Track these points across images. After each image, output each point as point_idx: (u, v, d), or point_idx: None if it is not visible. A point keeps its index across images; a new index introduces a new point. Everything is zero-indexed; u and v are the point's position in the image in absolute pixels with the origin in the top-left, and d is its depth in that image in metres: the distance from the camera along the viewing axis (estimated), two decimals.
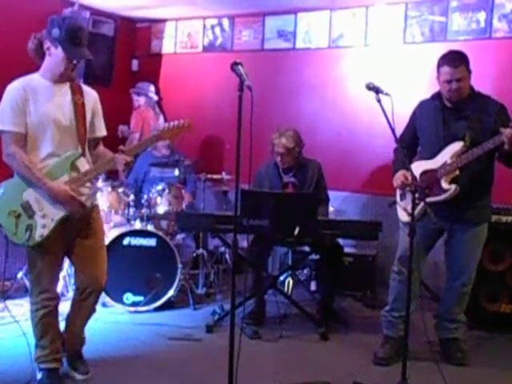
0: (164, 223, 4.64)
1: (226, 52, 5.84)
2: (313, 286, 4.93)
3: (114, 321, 4.12)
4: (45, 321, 3.00)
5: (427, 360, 3.43)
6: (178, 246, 4.65)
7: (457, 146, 3.29)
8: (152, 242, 4.36)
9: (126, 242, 4.34)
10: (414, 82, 4.93)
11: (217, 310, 4.22)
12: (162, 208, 4.60)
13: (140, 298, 4.29)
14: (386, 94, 2.90)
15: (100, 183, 4.49)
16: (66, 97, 2.97)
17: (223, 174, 5.08)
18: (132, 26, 6.27)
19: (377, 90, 2.93)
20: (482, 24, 4.74)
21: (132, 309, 4.29)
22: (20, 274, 4.34)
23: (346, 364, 3.52)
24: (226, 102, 5.44)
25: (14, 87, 2.89)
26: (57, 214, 2.88)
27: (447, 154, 3.32)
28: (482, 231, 3.47)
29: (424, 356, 3.50)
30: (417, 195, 2.92)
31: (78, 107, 2.98)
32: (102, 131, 3.14)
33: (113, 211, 4.57)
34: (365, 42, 5.24)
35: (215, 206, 5.69)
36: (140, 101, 5.87)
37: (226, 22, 5.87)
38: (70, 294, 4.09)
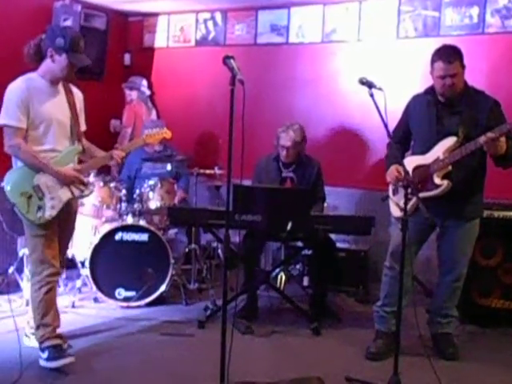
0: (156, 218, 4.62)
1: (218, 46, 5.80)
2: (305, 282, 4.92)
3: (105, 316, 4.11)
4: (48, 297, 3.19)
5: (419, 355, 3.43)
6: (171, 241, 4.62)
7: (450, 142, 3.29)
8: (144, 237, 4.34)
9: (117, 237, 4.32)
10: (406, 77, 4.92)
11: (209, 306, 4.21)
12: (154, 203, 4.58)
13: (132, 294, 4.27)
14: (379, 89, 2.90)
15: (91, 178, 4.46)
16: (62, 96, 3.26)
17: (216, 168, 5.07)
18: (124, 19, 6.22)
19: (370, 85, 2.92)
20: (475, 19, 4.74)
21: (124, 304, 4.26)
22: (11, 269, 4.31)
23: (339, 359, 3.52)
24: (218, 96, 5.39)
25: (19, 86, 3.11)
26: (64, 196, 3.20)
27: (440, 150, 3.32)
28: (474, 227, 3.48)
29: (416, 351, 3.50)
30: (409, 190, 2.92)
31: (72, 105, 3.29)
32: (83, 126, 3.43)
33: (104, 206, 4.53)
34: (358, 37, 5.22)
35: (208, 200, 5.66)
36: (132, 95, 5.83)
37: (218, 16, 5.84)
38: None
